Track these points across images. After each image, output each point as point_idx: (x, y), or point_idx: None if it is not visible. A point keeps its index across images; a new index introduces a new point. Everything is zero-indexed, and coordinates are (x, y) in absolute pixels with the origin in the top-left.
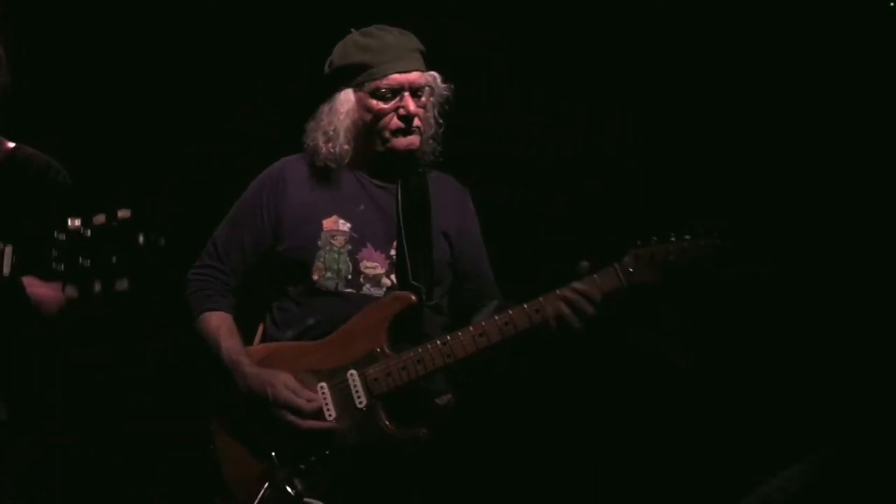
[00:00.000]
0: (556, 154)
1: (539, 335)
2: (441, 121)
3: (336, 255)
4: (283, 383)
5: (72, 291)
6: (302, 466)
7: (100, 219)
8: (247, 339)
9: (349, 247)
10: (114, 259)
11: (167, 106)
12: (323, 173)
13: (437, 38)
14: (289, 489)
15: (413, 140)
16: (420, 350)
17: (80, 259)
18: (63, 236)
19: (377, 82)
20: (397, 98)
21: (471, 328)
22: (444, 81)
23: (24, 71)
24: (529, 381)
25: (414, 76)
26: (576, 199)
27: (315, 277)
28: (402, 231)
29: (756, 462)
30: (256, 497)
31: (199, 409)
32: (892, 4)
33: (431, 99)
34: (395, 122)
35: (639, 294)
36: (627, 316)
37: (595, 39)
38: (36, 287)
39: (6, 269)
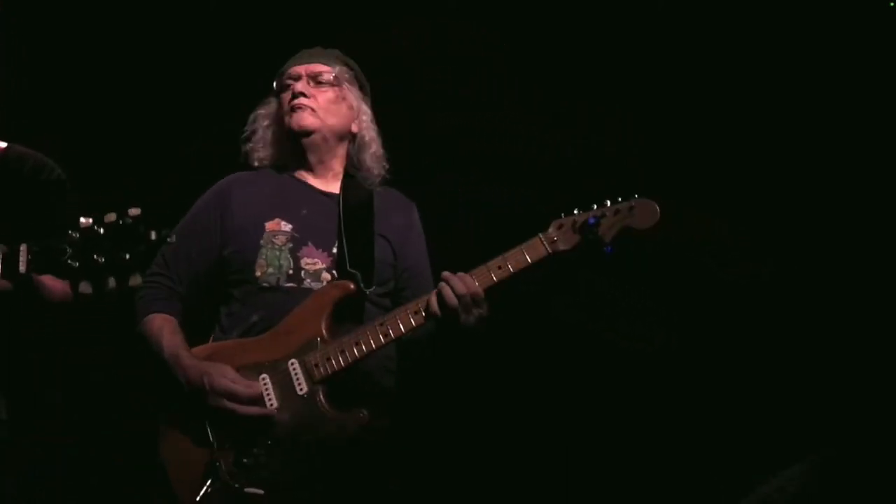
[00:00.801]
0: (556, 154)
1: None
2: (377, 137)
3: (277, 252)
4: (221, 372)
5: (86, 288)
6: (244, 460)
7: (111, 217)
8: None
9: (290, 245)
10: (126, 255)
11: (168, 106)
12: (268, 181)
13: (438, 38)
14: (233, 483)
15: (304, 116)
16: (358, 332)
17: (94, 256)
18: (76, 234)
19: (281, 78)
20: (290, 86)
21: (407, 306)
22: (359, 82)
23: (24, 71)
24: (525, 378)
25: (313, 65)
26: (576, 199)
27: (258, 274)
28: (342, 227)
29: (756, 462)
30: (199, 494)
31: (149, 414)
32: (892, 4)
33: (337, 89)
34: (287, 103)
35: (564, 261)
36: (552, 287)
37: (595, 39)
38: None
39: (22, 268)
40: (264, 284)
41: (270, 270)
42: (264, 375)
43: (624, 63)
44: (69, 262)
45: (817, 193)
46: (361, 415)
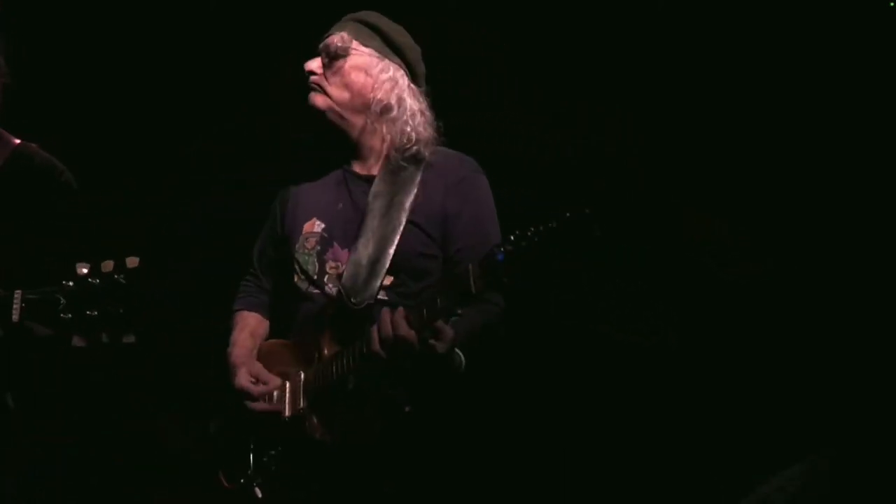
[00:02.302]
0: (556, 154)
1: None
2: (410, 101)
3: (307, 258)
4: (248, 370)
5: (79, 342)
6: (264, 459)
7: (108, 266)
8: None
9: (318, 248)
10: (121, 311)
11: (167, 106)
12: (325, 177)
13: (438, 38)
14: (254, 483)
15: (313, 97)
16: (341, 352)
17: (88, 310)
18: (71, 284)
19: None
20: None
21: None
22: (381, 36)
23: (24, 71)
24: (526, 382)
25: (326, 39)
26: (576, 199)
27: (295, 280)
28: (363, 224)
29: (756, 462)
30: (242, 479)
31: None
32: (892, 4)
33: (346, 60)
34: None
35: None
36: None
37: (595, 39)
38: None
39: (15, 316)
40: (298, 291)
41: (302, 277)
42: (286, 382)
43: (624, 63)
44: (62, 314)
45: (817, 193)
46: (328, 438)
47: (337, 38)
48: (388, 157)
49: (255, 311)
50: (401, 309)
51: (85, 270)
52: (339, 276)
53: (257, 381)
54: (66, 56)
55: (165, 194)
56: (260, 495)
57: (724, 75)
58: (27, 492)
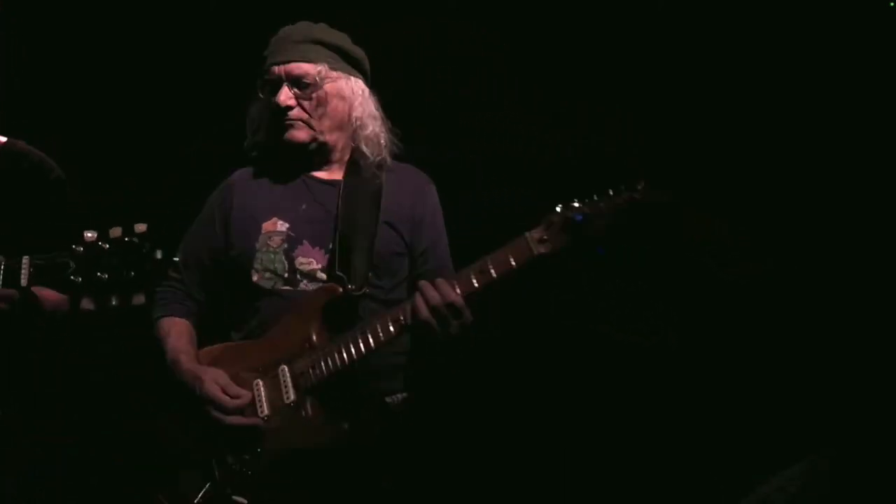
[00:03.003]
0: (556, 154)
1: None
2: (376, 114)
3: (272, 256)
4: (213, 379)
5: (88, 304)
6: (234, 466)
7: (116, 232)
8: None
9: (285, 245)
10: (131, 273)
11: (167, 106)
12: (270, 176)
13: (437, 38)
14: (227, 489)
15: (295, 134)
16: (340, 340)
17: (98, 273)
18: (80, 249)
19: (263, 76)
20: (277, 91)
21: (388, 314)
22: (345, 58)
23: (24, 71)
24: (526, 380)
25: (291, 66)
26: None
27: (254, 279)
28: (338, 224)
29: (756, 462)
30: (198, 495)
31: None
32: (892, 4)
33: (323, 90)
34: (274, 116)
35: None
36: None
37: (595, 39)
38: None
39: (23, 281)
40: (262, 288)
41: (267, 275)
42: (258, 381)
43: (624, 63)
44: (72, 277)
45: (817, 193)
46: (343, 428)
47: (309, 68)
48: (352, 162)
49: (186, 319)
50: (441, 279)
51: (92, 235)
52: (313, 272)
53: (223, 389)
54: (65, 56)
55: (165, 194)
56: (245, 501)
57: (724, 75)
58: (27, 492)
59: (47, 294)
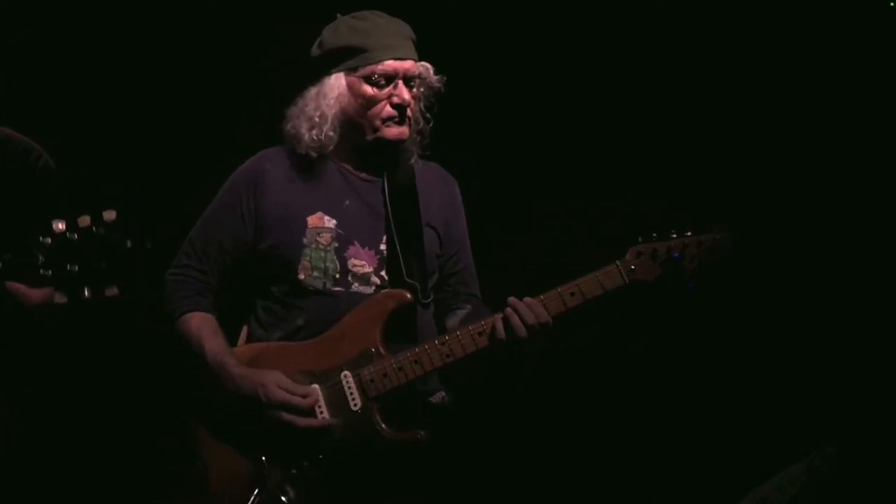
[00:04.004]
0: (555, 154)
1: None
2: (428, 115)
3: (322, 254)
4: (276, 382)
5: (61, 298)
6: (293, 471)
7: (85, 221)
8: (231, 341)
9: (336, 244)
10: (102, 264)
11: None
12: (305, 166)
13: (437, 39)
14: (280, 496)
15: (404, 130)
16: (417, 350)
17: (68, 265)
18: (49, 240)
19: (372, 67)
20: (391, 86)
21: (470, 327)
22: (435, 73)
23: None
24: (527, 384)
25: (408, 65)
26: (575, 200)
27: (301, 276)
28: (393, 227)
29: (756, 462)
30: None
31: (180, 415)
32: (892, 4)
33: (422, 90)
34: (388, 111)
35: (640, 292)
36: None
37: (595, 39)
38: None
39: None
40: (310, 287)
41: (316, 274)
42: (314, 386)
43: (624, 63)
44: (41, 271)
45: (817, 193)
46: (419, 435)
47: (420, 69)
48: (386, 158)
49: (211, 314)
50: (530, 300)
51: (62, 226)
52: (367, 275)
53: (289, 391)
54: (65, 56)
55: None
56: None
57: (724, 75)
58: (27, 492)
59: (23, 288)
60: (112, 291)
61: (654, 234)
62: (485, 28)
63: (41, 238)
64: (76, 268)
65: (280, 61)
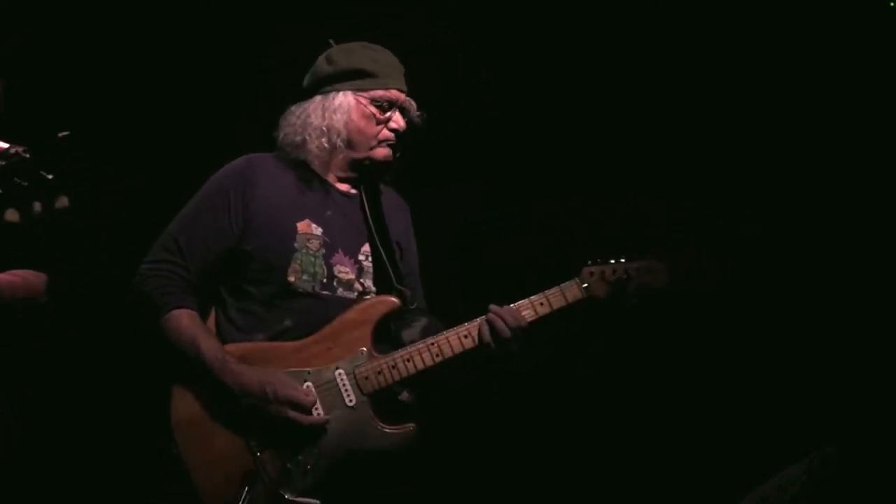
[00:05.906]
0: (555, 154)
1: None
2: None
3: (312, 259)
4: (282, 380)
5: (13, 216)
6: (289, 466)
7: (32, 142)
8: None
9: (323, 251)
10: (50, 177)
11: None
12: (290, 174)
13: (436, 38)
14: (275, 489)
15: (394, 155)
16: (409, 350)
17: (17, 180)
18: None
19: (381, 92)
20: (390, 111)
21: (456, 330)
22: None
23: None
24: (529, 384)
25: (404, 97)
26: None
27: (291, 279)
28: (376, 238)
29: (756, 462)
30: (239, 501)
31: (159, 412)
32: (892, 4)
33: (407, 121)
34: (385, 133)
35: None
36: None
37: (594, 39)
38: None
39: None
40: (299, 289)
41: (305, 277)
42: (308, 384)
43: (624, 63)
44: None
45: (817, 193)
46: (410, 428)
47: (408, 102)
48: (361, 178)
49: (197, 312)
50: (508, 307)
51: (6, 145)
52: (350, 282)
53: (294, 389)
54: (64, 56)
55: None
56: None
57: (724, 75)
58: (27, 492)
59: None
60: (62, 202)
61: (599, 259)
62: (486, 28)
63: None
64: (25, 183)
65: (280, 61)
